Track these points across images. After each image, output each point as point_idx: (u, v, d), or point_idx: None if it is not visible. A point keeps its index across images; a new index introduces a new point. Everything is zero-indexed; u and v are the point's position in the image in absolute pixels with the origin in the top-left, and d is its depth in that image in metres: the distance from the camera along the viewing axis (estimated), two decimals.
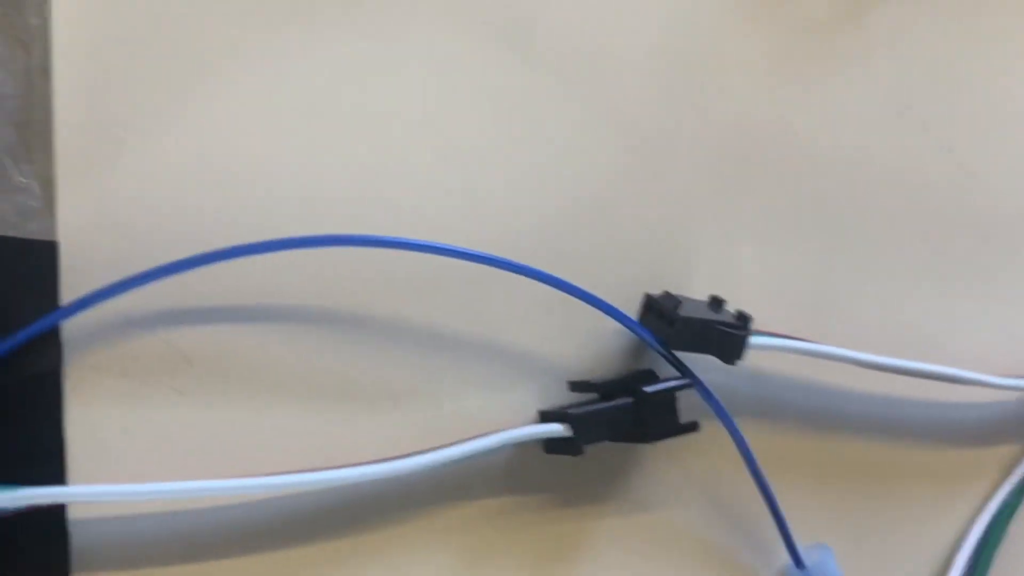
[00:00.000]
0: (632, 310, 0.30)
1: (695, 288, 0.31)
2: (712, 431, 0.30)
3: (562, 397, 0.30)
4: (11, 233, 0.26)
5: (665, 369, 0.30)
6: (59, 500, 0.25)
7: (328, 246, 0.27)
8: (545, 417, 0.29)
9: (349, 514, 0.29)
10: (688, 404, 0.30)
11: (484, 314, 0.29)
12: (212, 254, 0.26)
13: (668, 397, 0.29)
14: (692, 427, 0.30)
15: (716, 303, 0.29)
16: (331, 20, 0.28)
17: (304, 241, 0.27)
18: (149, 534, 0.27)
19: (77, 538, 0.26)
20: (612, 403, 0.29)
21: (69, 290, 0.26)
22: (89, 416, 0.26)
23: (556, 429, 0.29)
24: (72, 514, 0.26)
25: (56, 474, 0.26)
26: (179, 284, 0.26)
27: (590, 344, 0.30)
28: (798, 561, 0.31)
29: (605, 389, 0.29)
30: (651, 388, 0.29)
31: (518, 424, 0.29)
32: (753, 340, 0.29)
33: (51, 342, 0.26)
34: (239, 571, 0.27)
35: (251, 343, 0.28)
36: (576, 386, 0.30)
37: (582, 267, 0.30)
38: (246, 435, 0.28)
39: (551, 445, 0.29)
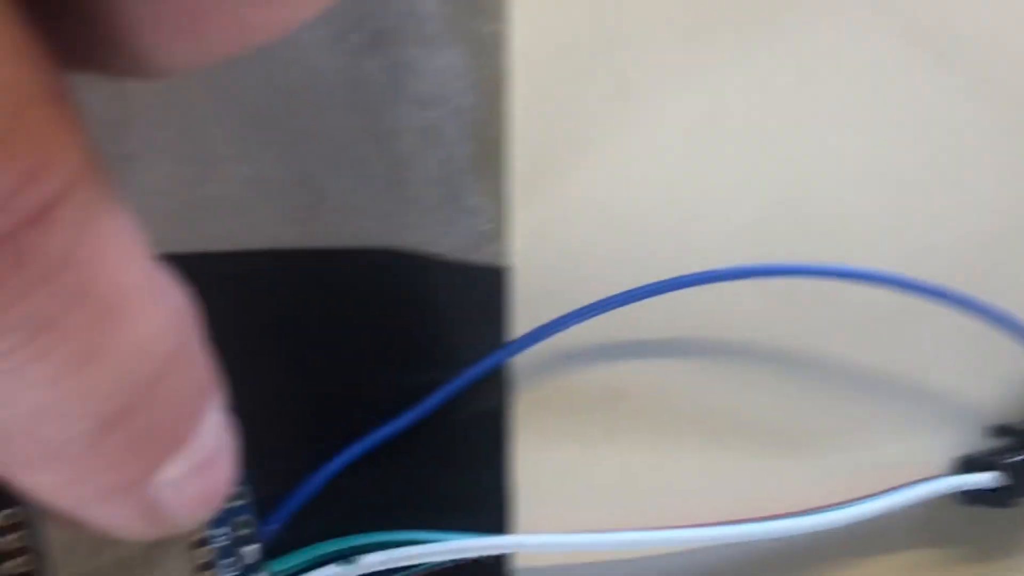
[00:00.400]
0: None
1: None
2: None
3: (973, 442, 0.28)
4: (463, 258, 0.23)
5: None
6: (515, 550, 0.23)
7: (779, 276, 0.25)
8: (971, 465, 0.27)
9: (765, 565, 0.27)
10: None
11: (906, 351, 0.27)
12: (666, 283, 0.24)
13: None
14: None
15: None
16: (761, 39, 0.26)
17: (743, 272, 0.25)
18: None
19: None
20: None
21: (518, 320, 0.24)
22: (532, 458, 0.24)
23: (986, 479, 0.27)
24: (514, 562, 0.24)
25: (499, 520, 0.24)
26: (617, 314, 0.24)
27: (1012, 383, 0.28)
28: None
29: None
30: None
31: (931, 471, 0.27)
32: None
33: (499, 377, 0.24)
34: None
35: (680, 380, 0.25)
36: (999, 431, 0.28)
37: (1011, 297, 0.27)
38: (670, 478, 0.26)
39: (972, 495, 0.27)
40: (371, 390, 0.23)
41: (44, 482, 0.12)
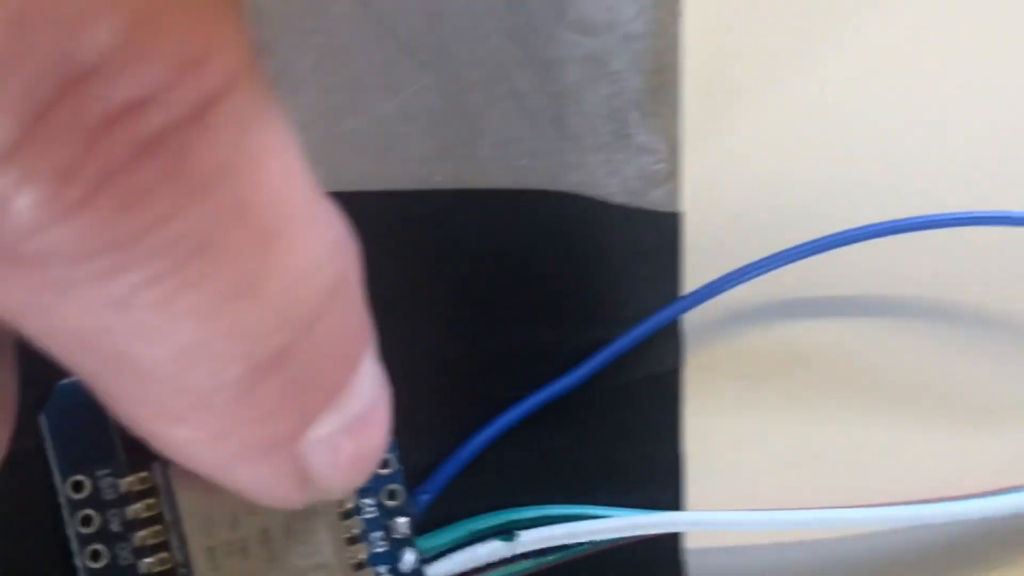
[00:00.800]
0: None
1: None
2: None
3: None
4: (632, 202, 0.21)
5: None
6: (693, 528, 0.20)
7: (959, 226, 0.22)
8: None
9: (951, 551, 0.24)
10: None
11: None
12: (845, 234, 0.21)
13: None
14: None
15: None
16: None
17: (937, 221, 0.22)
18: (763, 568, 0.22)
19: (694, 571, 0.22)
20: None
21: (691, 272, 0.21)
22: (705, 426, 0.22)
23: None
24: (687, 542, 0.21)
25: (673, 495, 0.21)
26: (795, 268, 0.21)
27: None
28: None
29: None
30: None
31: None
32: None
33: (671, 336, 0.21)
34: None
35: (867, 343, 0.23)
36: None
37: None
38: (856, 452, 0.23)
39: None
40: (530, 349, 0.21)
41: (185, 437, 0.10)
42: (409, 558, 0.18)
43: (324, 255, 0.10)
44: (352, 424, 0.12)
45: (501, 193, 0.21)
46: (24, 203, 0.08)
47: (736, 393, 0.22)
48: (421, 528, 0.19)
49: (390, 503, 0.18)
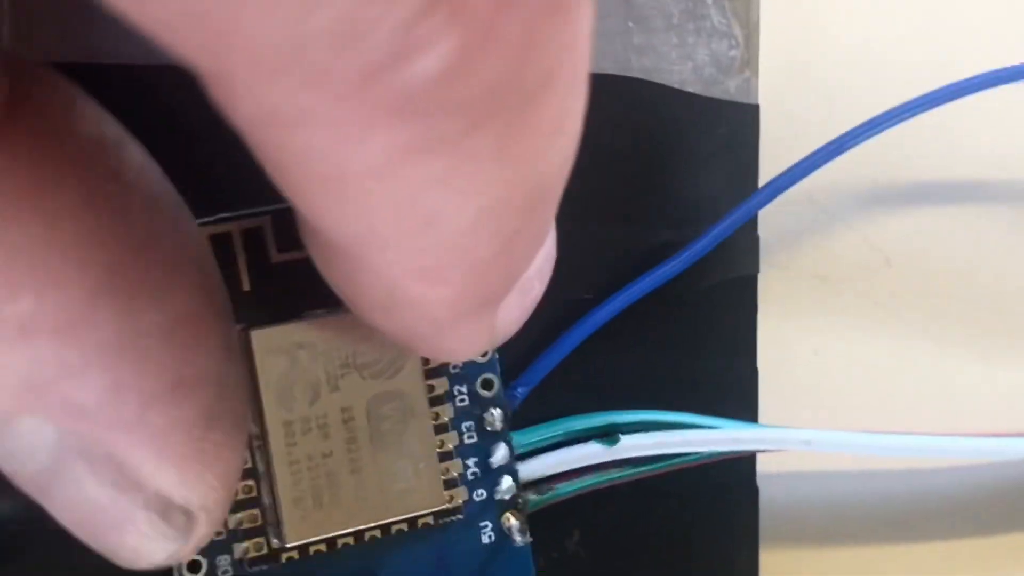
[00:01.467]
0: None
1: None
2: None
3: None
4: (705, 91, 0.19)
5: None
6: (809, 448, 0.18)
7: None
8: None
9: None
10: None
11: None
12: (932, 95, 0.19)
13: None
14: None
15: None
16: None
17: None
18: (842, 498, 0.21)
19: (766, 496, 0.20)
20: None
21: (767, 169, 0.19)
22: (781, 332, 0.20)
23: None
24: (760, 467, 0.20)
25: (749, 408, 0.20)
26: (877, 163, 0.20)
27: None
28: None
29: None
30: None
31: None
32: None
33: (748, 235, 0.20)
34: (950, 556, 0.21)
35: (957, 243, 0.21)
36: None
37: None
38: (946, 370, 0.21)
39: None
40: (597, 248, 0.19)
41: (439, 296, 0.10)
42: (501, 452, 0.17)
43: (583, 98, 0.09)
44: (543, 263, 0.12)
45: None
46: (446, 47, 0.07)
47: (813, 297, 0.20)
48: (513, 424, 0.17)
49: (484, 393, 0.16)
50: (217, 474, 0.11)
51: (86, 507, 0.10)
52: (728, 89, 0.19)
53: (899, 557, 0.21)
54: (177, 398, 0.10)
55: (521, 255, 0.10)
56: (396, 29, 0.07)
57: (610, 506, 0.18)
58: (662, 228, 0.19)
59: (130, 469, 0.10)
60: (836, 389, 0.20)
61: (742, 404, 0.19)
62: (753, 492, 0.20)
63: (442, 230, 0.09)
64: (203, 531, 0.11)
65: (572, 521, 0.18)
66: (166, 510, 0.10)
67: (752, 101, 0.19)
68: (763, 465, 0.20)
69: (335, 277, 0.10)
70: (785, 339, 0.20)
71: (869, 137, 0.19)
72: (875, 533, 0.21)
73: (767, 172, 0.19)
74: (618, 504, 0.18)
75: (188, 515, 0.10)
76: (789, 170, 0.19)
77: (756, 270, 0.20)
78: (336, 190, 0.08)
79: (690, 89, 0.19)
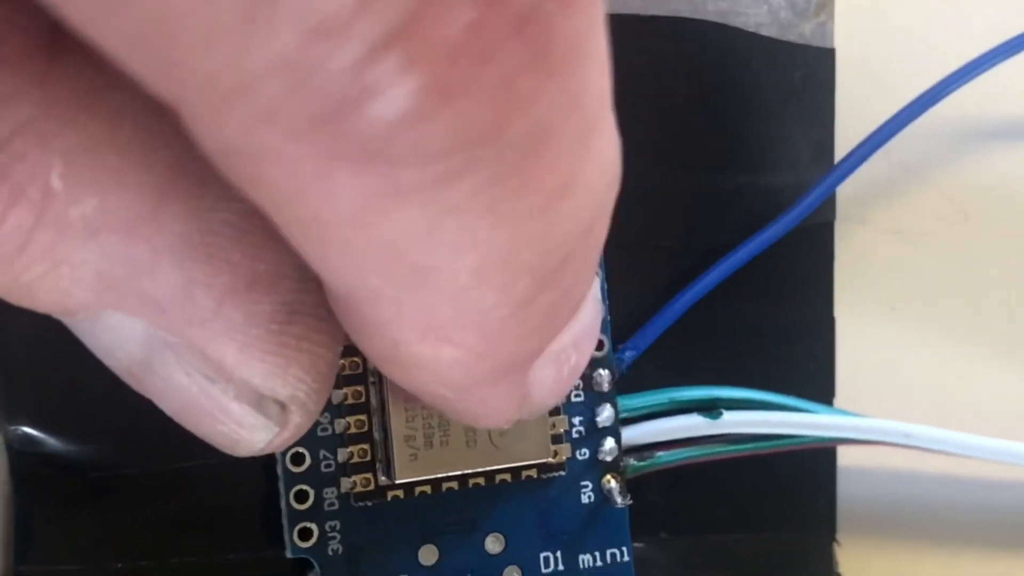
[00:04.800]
0: None
1: None
2: None
3: None
4: (781, 35, 0.18)
5: None
6: (923, 445, 0.17)
7: None
8: None
9: None
10: None
11: None
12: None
13: None
14: None
15: None
16: None
17: None
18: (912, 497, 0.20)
19: (844, 488, 0.19)
20: None
21: (843, 115, 0.19)
22: (856, 285, 0.19)
23: None
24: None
25: (827, 396, 0.19)
26: (956, 114, 0.20)
27: None
28: None
29: None
30: None
31: None
32: None
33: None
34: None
35: None
36: None
37: None
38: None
39: None
40: (662, 192, 0.18)
41: (448, 358, 0.09)
42: (607, 414, 0.16)
43: (616, 149, 0.09)
44: (580, 335, 0.11)
45: (636, 20, 0.18)
46: (400, 92, 0.07)
47: (891, 252, 0.20)
48: (620, 389, 0.17)
49: (594, 353, 0.16)
50: (304, 366, 0.10)
51: (180, 396, 0.10)
52: (804, 33, 0.19)
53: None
54: (253, 293, 0.10)
55: (544, 321, 0.10)
56: (345, 71, 0.07)
57: (692, 476, 0.18)
58: (737, 173, 0.18)
59: (215, 361, 0.10)
60: (913, 350, 0.19)
61: (819, 355, 0.19)
62: (831, 484, 0.19)
63: (438, 286, 0.09)
64: (297, 420, 0.11)
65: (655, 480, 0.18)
66: (259, 400, 0.10)
67: (828, 45, 0.19)
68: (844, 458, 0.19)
69: (346, 329, 0.10)
70: (864, 292, 0.19)
71: (958, 88, 0.18)
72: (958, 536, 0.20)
73: (842, 117, 0.19)
74: (701, 475, 0.18)
75: (281, 405, 0.10)
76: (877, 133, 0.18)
77: (832, 220, 0.19)
78: (317, 237, 0.08)
79: (765, 33, 0.18)
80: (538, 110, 0.08)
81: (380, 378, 0.14)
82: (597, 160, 0.09)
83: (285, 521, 0.15)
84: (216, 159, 0.08)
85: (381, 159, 0.07)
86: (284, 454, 0.15)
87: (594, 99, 0.08)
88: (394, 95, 0.07)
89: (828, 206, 0.19)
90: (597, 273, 0.11)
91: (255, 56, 0.07)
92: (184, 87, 0.07)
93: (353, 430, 0.15)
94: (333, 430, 0.15)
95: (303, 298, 0.10)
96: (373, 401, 0.14)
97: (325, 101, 0.07)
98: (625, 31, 0.18)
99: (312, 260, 0.09)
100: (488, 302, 0.09)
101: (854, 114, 0.19)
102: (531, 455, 0.15)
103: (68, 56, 0.09)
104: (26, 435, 0.15)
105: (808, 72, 0.19)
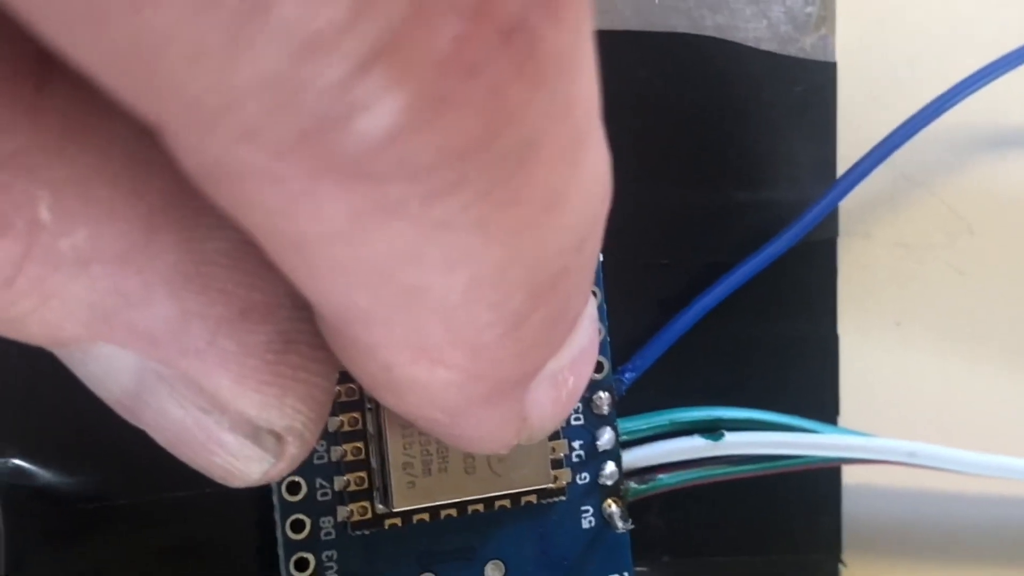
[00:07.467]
0: None
1: None
2: None
3: None
4: (781, 49, 0.18)
5: None
6: (921, 463, 0.17)
7: None
8: None
9: None
10: None
11: None
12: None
13: None
14: None
15: None
16: None
17: None
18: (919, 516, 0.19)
19: (849, 508, 0.19)
20: None
21: (844, 128, 0.19)
22: (860, 300, 0.19)
23: None
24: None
25: (831, 416, 0.19)
26: (959, 126, 0.19)
27: None
28: None
29: None
30: None
31: None
32: None
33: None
34: None
35: None
36: None
37: None
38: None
39: None
40: (666, 208, 0.18)
41: (440, 380, 0.09)
42: (607, 437, 0.16)
43: (606, 162, 0.09)
44: (578, 356, 0.11)
45: (634, 36, 0.18)
46: (388, 107, 0.07)
47: (893, 264, 0.19)
48: (620, 411, 0.16)
49: (593, 375, 0.15)
50: (300, 396, 0.10)
51: (174, 428, 0.10)
52: (804, 47, 0.19)
53: None
54: (248, 323, 0.10)
55: (538, 340, 0.10)
56: (331, 88, 0.07)
57: (694, 497, 0.17)
58: (738, 189, 0.18)
59: (209, 392, 0.10)
60: (919, 366, 0.19)
61: (822, 373, 0.19)
62: (836, 504, 0.19)
63: (430, 305, 0.08)
64: (294, 451, 0.10)
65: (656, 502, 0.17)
66: (255, 431, 0.10)
67: (829, 59, 0.19)
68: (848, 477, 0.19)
69: (337, 354, 0.10)
70: (868, 306, 0.19)
71: (962, 100, 0.18)
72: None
73: (844, 131, 0.18)
74: (702, 496, 0.17)
75: (277, 436, 0.10)
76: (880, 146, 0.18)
77: (835, 235, 0.19)
78: (304, 257, 0.08)
79: (765, 47, 0.18)
80: (527, 121, 0.08)
81: (377, 405, 0.14)
82: (588, 173, 0.09)
83: (281, 551, 0.14)
84: (200, 179, 0.08)
85: (368, 175, 0.07)
86: (280, 483, 0.14)
87: (583, 111, 0.08)
88: (381, 110, 0.07)
89: (831, 221, 0.19)
90: (595, 293, 0.11)
91: (240, 75, 0.07)
92: (167, 106, 0.07)
93: (350, 458, 0.14)
94: (329, 458, 0.14)
95: (299, 327, 0.10)
96: (370, 428, 0.14)
97: (311, 118, 0.07)
98: (624, 48, 0.18)
99: (300, 282, 0.09)
100: (481, 321, 0.09)
101: (856, 128, 0.19)
102: (531, 481, 0.15)
103: (57, 86, 0.08)
104: (17, 467, 0.15)
105: (809, 86, 0.19)
